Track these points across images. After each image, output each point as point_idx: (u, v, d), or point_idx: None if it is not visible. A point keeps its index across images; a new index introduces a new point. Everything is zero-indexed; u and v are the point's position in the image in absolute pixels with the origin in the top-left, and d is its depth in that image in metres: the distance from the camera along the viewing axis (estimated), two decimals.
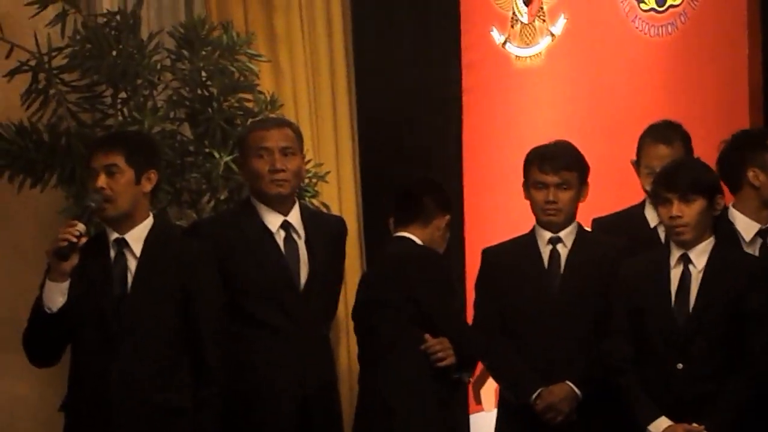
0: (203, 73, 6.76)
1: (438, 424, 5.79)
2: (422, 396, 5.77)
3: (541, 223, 5.71)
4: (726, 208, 5.69)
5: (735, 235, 5.65)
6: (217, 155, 6.59)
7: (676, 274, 5.35)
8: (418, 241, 5.84)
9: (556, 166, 5.65)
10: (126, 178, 5.14)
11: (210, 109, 6.72)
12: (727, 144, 5.92)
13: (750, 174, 5.56)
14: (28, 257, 6.04)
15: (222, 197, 6.64)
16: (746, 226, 5.62)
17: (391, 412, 5.73)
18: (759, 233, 5.60)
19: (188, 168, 6.62)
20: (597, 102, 7.22)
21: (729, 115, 6.62)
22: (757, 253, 5.51)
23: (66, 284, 5.06)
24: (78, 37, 6.62)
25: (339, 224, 5.98)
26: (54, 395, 5.50)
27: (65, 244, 5.01)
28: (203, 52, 6.77)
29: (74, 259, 5.04)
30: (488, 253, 5.93)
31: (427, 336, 5.73)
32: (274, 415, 5.50)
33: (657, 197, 5.44)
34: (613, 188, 6.29)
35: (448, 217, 5.96)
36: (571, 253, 5.70)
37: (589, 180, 5.79)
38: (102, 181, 5.10)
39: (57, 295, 5.05)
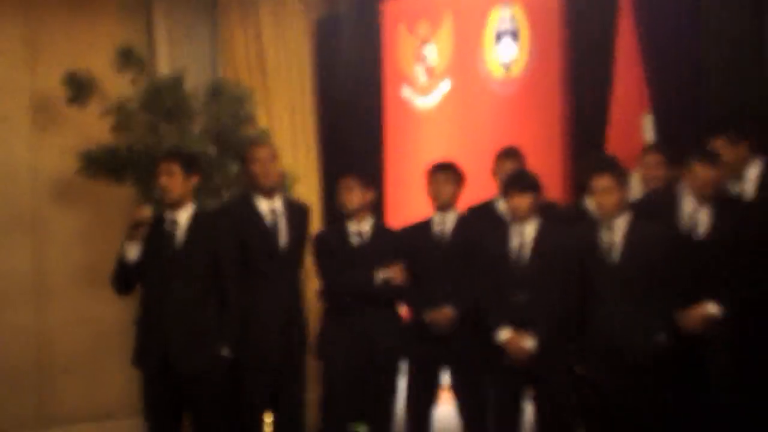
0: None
1: (326, 331, 5.73)
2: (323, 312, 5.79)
3: (435, 207, 5.75)
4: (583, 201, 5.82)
5: (590, 215, 5.66)
6: (231, 165, 6.58)
7: (516, 240, 5.41)
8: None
9: (443, 171, 5.75)
10: (180, 178, 5.29)
11: (226, 136, 6.73)
12: (585, 160, 5.97)
13: None
14: (114, 227, 6.02)
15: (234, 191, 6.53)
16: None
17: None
18: None
19: (213, 173, 6.55)
20: (469, 134, 7.25)
21: (548, 144, 6.68)
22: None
23: (139, 244, 5.23)
24: (145, 90, 6.63)
25: (306, 209, 5.92)
26: (129, 314, 5.57)
27: (140, 219, 5.21)
28: (223, 100, 6.77)
29: (144, 229, 5.23)
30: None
31: None
32: (267, 329, 5.51)
33: (505, 193, 5.50)
34: (480, 188, 6.16)
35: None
36: (454, 229, 5.72)
37: (466, 183, 5.83)
38: (164, 180, 5.26)
39: (133, 250, 5.22)
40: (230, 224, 5.50)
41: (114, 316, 6.92)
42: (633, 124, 6.35)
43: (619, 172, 5.36)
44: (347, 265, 5.67)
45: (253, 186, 5.67)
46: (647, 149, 5.94)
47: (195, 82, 7.13)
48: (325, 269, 5.75)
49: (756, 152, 5.44)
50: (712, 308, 5.19)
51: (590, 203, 5.67)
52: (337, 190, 5.82)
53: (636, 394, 5.18)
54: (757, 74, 6.03)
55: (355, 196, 5.72)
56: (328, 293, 5.76)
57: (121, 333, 6.12)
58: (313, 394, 6.05)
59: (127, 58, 6.68)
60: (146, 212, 5.25)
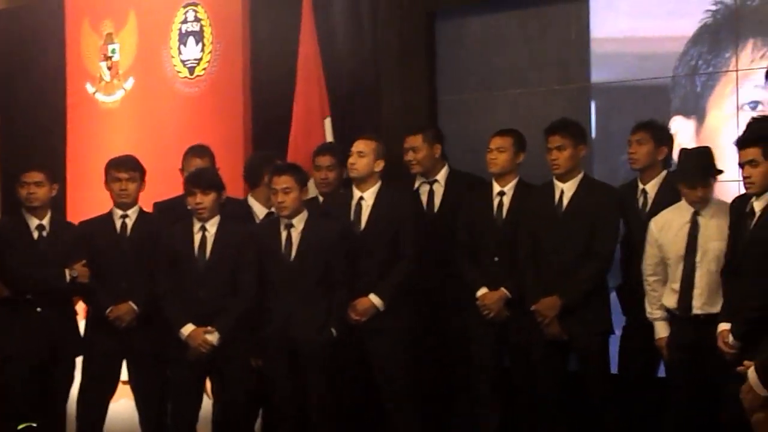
0: None
1: None
2: None
3: (116, 205, 5.46)
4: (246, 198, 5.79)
5: (252, 214, 5.66)
6: None
7: (198, 237, 5.22)
8: None
9: (125, 168, 5.48)
10: None
11: None
12: (253, 157, 5.99)
13: (266, 178, 5.42)
14: None
15: None
16: (259, 210, 5.64)
17: None
18: (268, 214, 5.58)
19: None
20: (153, 132, 7.08)
21: (231, 142, 6.62)
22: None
23: None
24: None
25: None
26: None
27: None
28: None
29: None
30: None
31: None
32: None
33: (188, 193, 5.25)
34: (165, 184, 5.97)
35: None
36: (135, 225, 5.47)
37: (151, 178, 5.64)
38: None
39: None
40: None
41: None
42: (315, 126, 6.30)
43: (298, 172, 5.33)
44: (29, 259, 5.38)
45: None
46: (317, 151, 5.90)
47: None
48: (7, 264, 5.38)
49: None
50: (375, 300, 5.31)
51: (253, 202, 5.74)
52: (18, 183, 5.46)
53: (310, 384, 5.24)
54: (427, 83, 6.23)
55: (42, 190, 5.42)
56: (11, 287, 5.39)
57: None
58: None
59: None
60: None
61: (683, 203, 4.85)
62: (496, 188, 5.42)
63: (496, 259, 5.35)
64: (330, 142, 6.13)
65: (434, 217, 5.63)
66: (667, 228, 4.86)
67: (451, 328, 5.52)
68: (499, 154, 5.38)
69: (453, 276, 5.45)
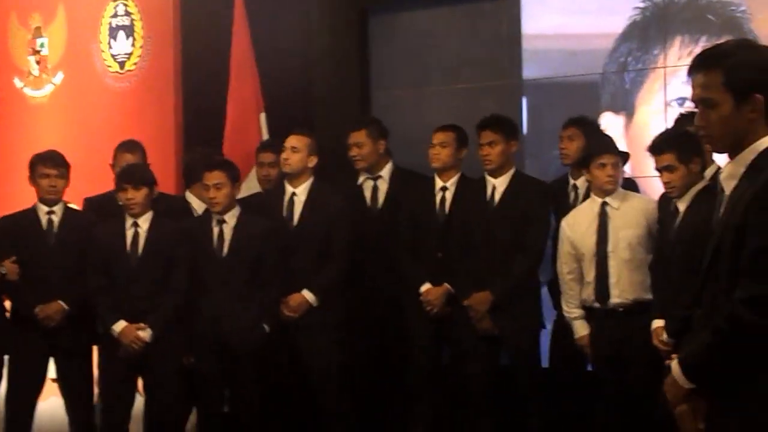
0: None
1: None
2: None
3: (42, 201, 5.29)
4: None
5: (190, 210, 5.57)
6: None
7: (130, 233, 5.13)
8: None
9: (55, 164, 5.29)
10: None
11: None
12: (192, 153, 5.86)
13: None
14: None
15: None
16: (198, 206, 5.54)
17: None
18: (206, 210, 5.34)
19: None
20: (83, 126, 6.98)
21: (161, 137, 6.52)
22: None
23: None
24: None
25: None
26: None
27: None
28: None
29: None
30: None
31: None
32: None
33: (120, 188, 5.17)
34: (95, 180, 5.87)
35: None
36: (62, 221, 5.31)
37: (82, 174, 5.55)
38: None
39: None
40: None
41: None
42: (250, 122, 6.26)
43: (230, 168, 5.28)
44: None
45: None
46: (260, 147, 5.90)
47: None
48: None
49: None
50: (308, 296, 5.29)
51: (191, 197, 5.65)
52: None
53: (243, 380, 5.23)
54: (359, 79, 6.26)
55: None
56: None
57: None
58: None
59: None
60: None
61: (591, 199, 4.88)
62: (439, 183, 5.39)
63: (439, 254, 5.32)
64: (273, 138, 6.07)
65: (378, 213, 5.57)
66: (578, 224, 4.88)
67: (392, 325, 5.48)
68: (441, 149, 5.35)
69: (395, 272, 5.42)
